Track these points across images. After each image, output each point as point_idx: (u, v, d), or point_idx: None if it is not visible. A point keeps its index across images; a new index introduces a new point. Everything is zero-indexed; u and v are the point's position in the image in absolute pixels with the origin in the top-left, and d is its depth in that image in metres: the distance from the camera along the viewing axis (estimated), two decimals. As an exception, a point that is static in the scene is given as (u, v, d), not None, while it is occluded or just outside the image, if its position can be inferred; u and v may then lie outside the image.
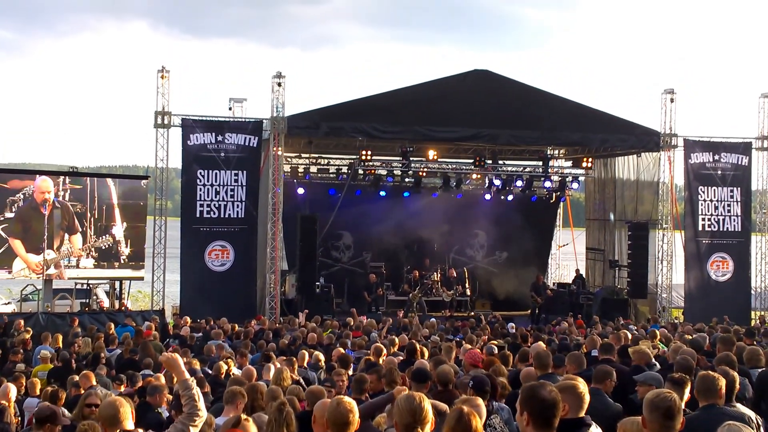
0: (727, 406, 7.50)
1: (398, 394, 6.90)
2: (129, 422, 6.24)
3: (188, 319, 23.32)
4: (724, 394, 7.39)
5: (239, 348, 16.97)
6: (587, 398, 6.21)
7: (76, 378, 12.80)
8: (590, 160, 32.55)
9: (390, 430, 6.88)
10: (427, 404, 5.74)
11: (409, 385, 9.31)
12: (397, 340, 15.93)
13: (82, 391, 12.11)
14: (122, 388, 12.81)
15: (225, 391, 9.12)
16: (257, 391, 9.08)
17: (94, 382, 12.33)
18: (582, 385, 6.28)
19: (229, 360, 14.31)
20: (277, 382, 10.24)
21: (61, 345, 18.66)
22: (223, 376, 12.60)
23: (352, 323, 22.22)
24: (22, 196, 25.85)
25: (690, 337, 15.51)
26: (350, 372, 11.95)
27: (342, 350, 14.90)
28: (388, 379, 9.60)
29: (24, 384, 13.23)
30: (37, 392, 12.87)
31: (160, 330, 22.08)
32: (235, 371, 13.49)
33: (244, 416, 6.04)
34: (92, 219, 26.60)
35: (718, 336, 14.03)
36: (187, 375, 6.19)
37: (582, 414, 6.16)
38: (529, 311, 32.17)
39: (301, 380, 12.06)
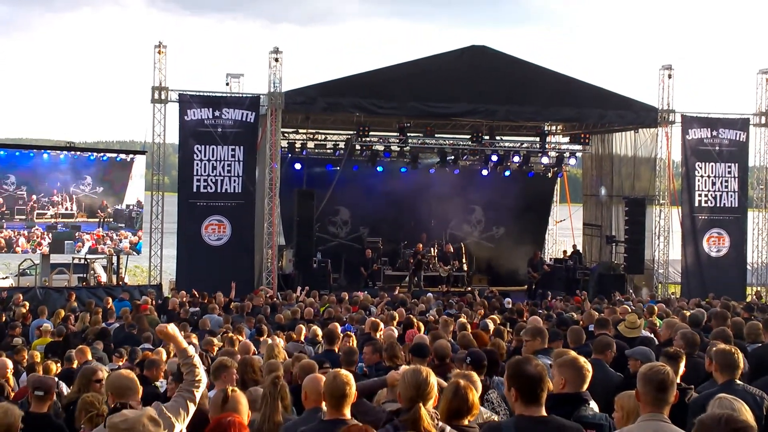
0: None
1: (392, 380, 6.93)
2: (138, 395, 6.30)
3: (185, 293, 23.38)
4: (741, 368, 7.42)
5: (237, 323, 17.01)
6: (589, 374, 6.25)
7: (72, 352, 12.82)
8: (587, 135, 32.54)
9: (387, 404, 6.91)
10: (433, 379, 5.78)
11: (410, 359, 9.34)
12: (396, 314, 15.95)
13: (75, 365, 12.18)
14: (122, 362, 12.84)
15: (212, 364, 9.12)
16: (248, 364, 9.06)
17: (89, 357, 12.36)
18: (582, 360, 6.32)
19: (230, 334, 14.24)
20: (270, 356, 10.22)
21: (59, 319, 18.68)
22: (214, 351, 12.55)
23: (346, 297, 22.30)
24: None
25: (688, 313, 15.53)
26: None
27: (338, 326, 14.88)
28: (390, 353, 9.62)
29: (25, 358, 13.27)
30: (39, 366, 12.89)
31: (156, 304, 22.11)
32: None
33: (230, 389, 6.05)
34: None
35: (713, 311, 14.07)
36: (185, 344, 6.21)
37: (583, 389, 6.20)
38: (526, 287, 32.22)
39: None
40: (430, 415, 5.50)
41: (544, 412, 5.38)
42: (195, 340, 13.51)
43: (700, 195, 30.35)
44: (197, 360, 6.11)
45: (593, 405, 6.27)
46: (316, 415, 6.39)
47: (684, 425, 5.54)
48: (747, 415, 5.22)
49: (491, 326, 13.74)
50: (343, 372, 6.18)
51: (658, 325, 14.92)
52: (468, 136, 31.64)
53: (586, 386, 6.19)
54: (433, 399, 5.73)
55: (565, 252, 34.27)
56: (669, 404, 5.42)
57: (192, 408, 5.86)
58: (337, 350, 11.41)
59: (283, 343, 13.48)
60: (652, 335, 12.71)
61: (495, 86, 28.33)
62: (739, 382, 7.25)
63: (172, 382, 8.60)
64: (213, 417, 5.73)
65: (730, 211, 30.60)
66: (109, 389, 6.43)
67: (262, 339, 13.70)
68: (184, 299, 22.30)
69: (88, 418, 7.10)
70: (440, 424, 5.54)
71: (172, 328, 6.21)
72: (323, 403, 6.39)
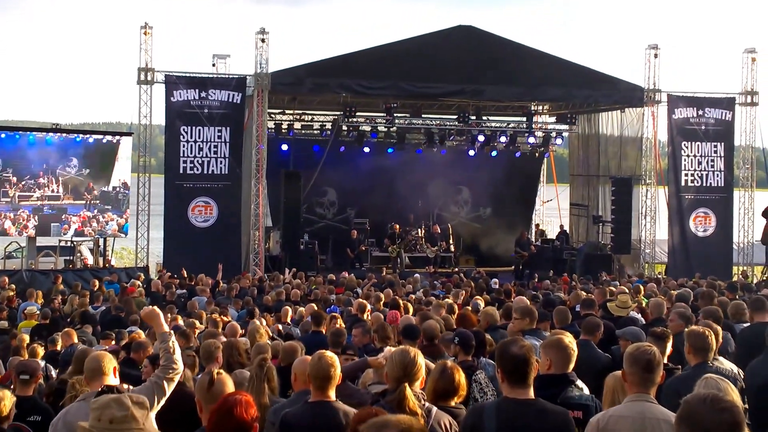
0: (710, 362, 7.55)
1: (374, 362, 6.94)
2: (111, 377, 6.26)
3: (167, 275, 23.39)
4: (715, 349, 7.43)
5: (223, 304, 17.01)
6: (574, 354, 6.25)
7: (58, 335, 12.81)
8: (574, 116, 32.59)
9: (373, 386, 6.92)
10: (421, 360, 5.80)
11: (399, 340, 9.36)
12: (382, 295, 15.96)
13: (59, 347, 12.17)
14: (109, 344, 12.83)
15: (200, 347, 9.10)
16: (233, 347, 9.05)
17: (75, 340, 12.35)
18: (568, 340, 6.32)
19: (214, 315, 14.21)
20: (253, 337, 10.19)
21: (40, 301, 18.66)
22: (195, 333, 12.49)
23: (333, 278, 22.31)
24: None
25: (674, 293, 15.58)
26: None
27: (314, 307, 14.87)
28: (381, 335, 9.63)
29: (15, 342, 13.26)
30: (24, 349, 12.86)
31: (144, 287, 22.07)
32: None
33: (216, 371, 6.05)
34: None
35: (699, 291, 14.12)
36: (166, 328, 6.19)
37: (568, 369, 6.21)
38: (513, 267, 32.28)
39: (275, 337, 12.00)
40: (416, 396, 5.51)
41: (531, 394, 5.36)
42: (181, 322, 13.49)
43: (686, 174, 30.40)
44: (174, 345, 6.10)
45: (581, 385, 6.28)
46: (304, 397, 6.40)
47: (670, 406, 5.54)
48: (733, 395, 5.23)
49: (482, 306, 13.77)
50: (328, 354, 6.18)
51: (644, 304, 14.97)
52: (455, 117, 31.59)
53: (571, 367, 6.20)
54: (420, 380, 5.74)
55: (537, 225, 34.25)
56: (656, 385, 5.43)
57: (162, 395, 5.84)
58: (324, 331, 11.42)
59: (275, 325, 13.51)
60: (639, 315, 12.73)
61: (482, 66, 28.29)
62: (711, 364, 7.27)
63: (148, 364, 8.57)
64: (199, 399, 5.70)
65: (717, 191, 30.67)
66: (84, 372, 6.44)
67: (251, 321, 13.68)
68: (169, 281, 22.25)
69: (69, 398, 7.10)
70: (426, 404, 5.56)
71: (155, 310, 6.21)
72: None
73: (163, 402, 5.87)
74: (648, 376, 5.37)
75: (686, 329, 7.82)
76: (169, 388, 5.97)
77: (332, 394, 6.01)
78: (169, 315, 14.22)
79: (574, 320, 10.97)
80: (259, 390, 6.83)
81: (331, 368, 5.97)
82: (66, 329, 13.10)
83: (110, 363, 6.33)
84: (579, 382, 6.27)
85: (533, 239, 34.53)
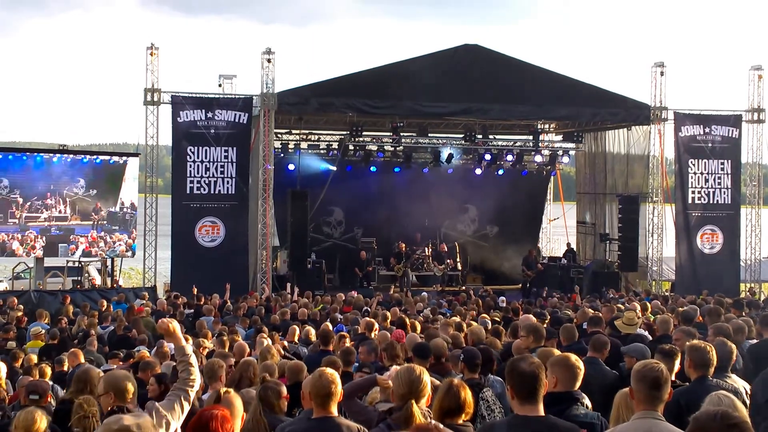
0: (721, 377, 7.54)
1: (382, 382, 6.95)
2: (133, 396, 6.33)
3: (171, 294, 23.42)
4: (715, 365, 7.42)
5: (231, 324, 16.99)
6: (580, 372, 6.24)
7: (64, 355, 12.82)
8: (581, 134, 32.63)
9: (380, 404, 6.93)
10: (426, 377, 5.81)
11: (410, 358, 9.37)
12: (389, 314, 15.94)
13: (65, 368, 12.17)
14: (117, 364, 12.83)
15: (204, 366, 9.11)
16: (251, 366, 9.08)
17: (82, 360, 12.35)
18: (574, 358, 6.31)
19: (224, 336, 14.20)
20: (265, 357, 10.22)
21: (46, 321, 18.68)
22: (204, 353, 12.48)
23: (342, 298, 22.29)
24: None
25: (681, 310, 15.56)
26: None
27: (330, 326, 14.89)
28: (390, 353, 9.64)
29: (21, 361, 13.26)
30: (34, 369, 12.86)
31: (152, 307, 22.07)
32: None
33: (224, 390, 6.05)
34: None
35: (706, 308, 14.09)
36: (184, 342, 6.21)
37: (575, 387, 6.20)
38: (520, 285, 32.23)
39: (288, 355, 12.02)
40: (422, 413, 5.51)
41: (542, 411, 5.35)
42: (191, 342, 13.48)
43: (693, 192, 30.37)
44: (193, 359, 6.11)
45: (587, 403, 6.27)
46: (308, 415, 6.43)
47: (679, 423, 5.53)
48: (742, 411, 5.23)
49: (489, 326, 13.79)
50: (328, 371, 6.21)
51: (651, 320, 14.94)
52: (461, 135, 31.61)
53: (578, 385, 6.19)
54: (426, 397, 5.75)
55: (530, 252, 33.93)
56: (663, 402, 5.41)
57: (186, 406, 5.85)
58: (332, 350, 11.42)
59: (282, 343, 13.50)
60: (646, 332, 12.72)
61: (488, 85, 28.30)
62: (710, 378, 7.26)
63: (154, 383, 8.57)
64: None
65: (724, 208, 30.62)
66: (107, 390, 6.45)
67: (259, 339, 13.66)
68: (175, 301, 22.22)
69: (77, 419, 7.10)
70: (433, 422, 5.55)
71: (174, 324, 6.23)
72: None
73: (186, 413, 5.88)
74: (655, 394, 5.35)
75: (687, 344, 7.81)
76: (192, 397, 5.98)
77: (334, 410, 6.02)
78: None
79: (581, 337, 10.97)
80: (255, 410, 6.88)
81: (332, 385, 5.99)
82: (72, 349, 13.09)
83: (133, 383, 6.43)
84: (585, 400, 6.27)
85: (539, 258, 34.54)
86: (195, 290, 23.62)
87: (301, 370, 8.61)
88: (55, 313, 20.82)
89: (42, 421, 6.61)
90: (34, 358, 13.66)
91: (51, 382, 10.10)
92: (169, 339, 6.44)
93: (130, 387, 6.36)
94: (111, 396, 6.38)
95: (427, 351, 9.31)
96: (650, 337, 11.85)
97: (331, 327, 14.36)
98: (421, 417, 5.45)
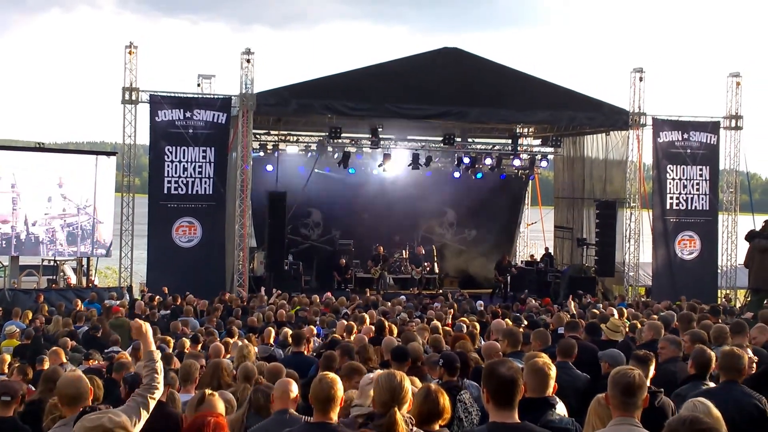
0: (701, 383, 7.55)
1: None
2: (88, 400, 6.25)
3: (148, 295, 23.35)
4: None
5: (207, 326, 16.90)
6: (549, 377, 6.18)
7: (44, 354, 12.70)
8: (559, 138, 32.71)
9: (357, 407, 6.86)
10: (407, 383, 5.73)
11: (389, 363, 9.31)
12: (366, 316, 15.90)
13: (46, 366, 12.06)
14: (92, 364, 12.76)
15: (180, 368, 9.03)
16: (220, 367, 9.01)
17: (65, 359, 12.26)
18: (542, 362, 6.25)
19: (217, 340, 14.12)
20: (241, 358, 10.15)
21: (27, 320, 18.56)
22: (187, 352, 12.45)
23: (318, 300, 22.28)
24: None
25: (656, 317, 15.58)
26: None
27: (313, 330, 14.86)
28: (363, 356, 9.59)
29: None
30: (5, 368, 12.74)
31: (129, 307, 21.94)
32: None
33: (209, 391, 6.00)
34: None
35: (679, 314, 14.12)
36: (153, 347, 6.15)
37: (546, 393, 6.15)
38: (492, 290, 32.25)
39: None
40: (405, 420, 5.46)
41: (516, 417, 5.29)
42: (171, 344, 13.41)
43: (671, 198, 30.45)
44: (160, 366, 6.05)
45: (561, 408, 6.24)
46: (283, 417, 6.38)
47: (656, 429, 5.51)
48: (716, 416, 5.21)
49: (465, 329, 13.77)
50: (329, 375, 6.11)
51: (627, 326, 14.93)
52: (440, 138, 31.63)
53: (550, 390, 6.14)
54: (407, 403, 5.68)
55: (504, 258, 33.81)
56: (639, 408, 5.38)
57: (144, 415, 5.77)
58: (305, 352, 11.38)
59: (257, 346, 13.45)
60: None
61: (467, 88, 28.30)
62: (740, 383, 7.27)
63: (123, 385, 8.50)
64: (186, 417, 5.69)
65: (701, 214, 30.72)
66: (59, 396, 6.39)
67: (232, 341, 13.60)
68: (152, 303, 22.08)
69: (51, 420, 7.03)
70: (414, 429, 5.50)
71: (146, 327, 6.17)
72: (290, 406, 6.46)
73: (144, 421, 5.81)
74: (629, 400, 5.33)
75: (722, 349, 7.82)
76: (151, 406, 5.91)
77: (334, 415, 5.93)
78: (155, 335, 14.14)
79: (555, 342, 10.95)
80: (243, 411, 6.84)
81: (332, 389, 5.89)
82: (54, 348, 12.96)
83: (87, 385, 6.32)
84: (559, 406, 6.23)
85: (516, 262, 34.60)
86: (165, 290, 23.53)
87: (280, 372, 8.55)
88: (31, 312, 20.65)
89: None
90: (8, 357, 13.54)
91: (24, 384, 9.96)
92: (139, 339, 6.40)
93: (83, 386, 6.30)
94: (58, 401, 6.34)
95: (405, 354, 9.26)
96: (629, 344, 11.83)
97: (314, 330, 14.39)
98: (404, 424, 5.39)
